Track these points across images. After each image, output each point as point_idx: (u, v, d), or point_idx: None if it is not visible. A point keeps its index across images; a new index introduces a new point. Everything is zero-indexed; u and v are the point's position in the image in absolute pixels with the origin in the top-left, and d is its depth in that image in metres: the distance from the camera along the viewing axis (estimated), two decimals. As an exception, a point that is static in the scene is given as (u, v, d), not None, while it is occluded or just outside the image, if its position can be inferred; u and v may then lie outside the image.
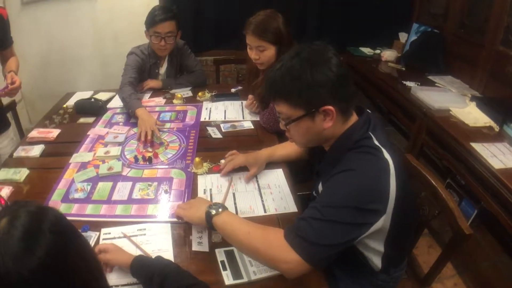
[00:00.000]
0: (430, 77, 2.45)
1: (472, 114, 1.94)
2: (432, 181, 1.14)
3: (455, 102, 2.06)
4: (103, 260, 0.94)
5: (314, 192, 1.12)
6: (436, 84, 2.36)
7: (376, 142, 0.90)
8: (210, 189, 1.28)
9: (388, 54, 2.84)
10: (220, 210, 0.95)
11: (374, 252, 0.98)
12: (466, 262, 1.85)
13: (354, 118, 0.97)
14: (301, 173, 1.40)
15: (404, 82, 2.39)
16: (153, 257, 0.94)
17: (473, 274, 1.81)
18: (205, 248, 1.02)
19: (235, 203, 1.21)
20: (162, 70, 2.14)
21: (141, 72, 2.00)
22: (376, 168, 0.86)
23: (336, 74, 0.87)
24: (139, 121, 1.62)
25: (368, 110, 1.01)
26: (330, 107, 0.88)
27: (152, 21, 1.86)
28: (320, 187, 1.04)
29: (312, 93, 0.87)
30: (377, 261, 1.00)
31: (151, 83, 2.05)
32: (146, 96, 2.06)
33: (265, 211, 1.18)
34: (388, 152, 0.89)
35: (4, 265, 0.49)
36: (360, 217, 0.83)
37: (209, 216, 0.94)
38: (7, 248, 0.50)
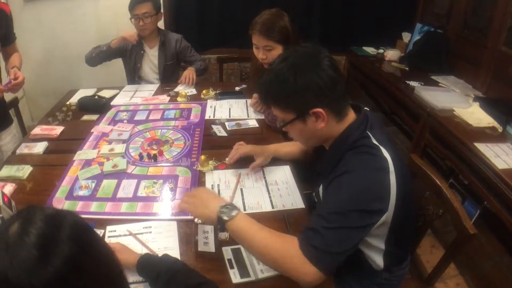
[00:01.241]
0: (433, 77, 2.45)
1: (475, 115, 1.94)
2: (437, 181, 1.14)
3: (459, 102, 2.06)
4: None
5: (314, 194, 1.11)
6: (440, 84, 2.36)
7: (374, 141, 0.90)
8: (218, 185, 1.29)
9: (392, 54, 2.83)
10: (233, 214, 0.88)
11: (376, 250, 0.98)
12: (468, 262, 1.85)
13: (351, 116, 0.96)
14: (307, 172, 1.40)
15: (407, 82, 2.39)
16: (160, 255, 0.94)
17: (476, 274, 1.82)
18: (211, 248, 1.02)
19: (243, 199, 1.22)
20: (151, 52, 2.20)
21: (119, 52, 2.16)
22: (375, 167, 0.86)
23: (324, 77, 0.87)
24: (123, 35, 2.02)
25: (366, 108, 1.00)
26: (320, 110, 0.88)
27: (130, 5, 2.03)
28: (320, 189, 1.03)
29: (299, 97, 0.88)
30: (379, 260, 1.00)
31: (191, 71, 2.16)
32: (150, 94, 2.06)
33: (272, 207, 1.18)
34: (387, 150, 0.89)
35: (14, 273, 0.45)
36: (366, 219, 0.83)
37: (221, 222, 0.90)
38: (16, 255, 0.46)
